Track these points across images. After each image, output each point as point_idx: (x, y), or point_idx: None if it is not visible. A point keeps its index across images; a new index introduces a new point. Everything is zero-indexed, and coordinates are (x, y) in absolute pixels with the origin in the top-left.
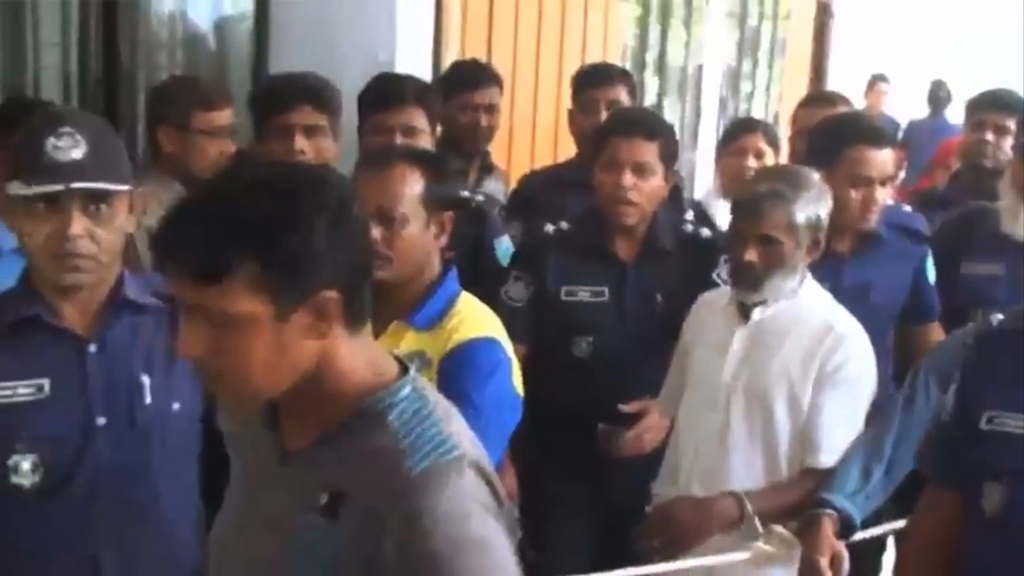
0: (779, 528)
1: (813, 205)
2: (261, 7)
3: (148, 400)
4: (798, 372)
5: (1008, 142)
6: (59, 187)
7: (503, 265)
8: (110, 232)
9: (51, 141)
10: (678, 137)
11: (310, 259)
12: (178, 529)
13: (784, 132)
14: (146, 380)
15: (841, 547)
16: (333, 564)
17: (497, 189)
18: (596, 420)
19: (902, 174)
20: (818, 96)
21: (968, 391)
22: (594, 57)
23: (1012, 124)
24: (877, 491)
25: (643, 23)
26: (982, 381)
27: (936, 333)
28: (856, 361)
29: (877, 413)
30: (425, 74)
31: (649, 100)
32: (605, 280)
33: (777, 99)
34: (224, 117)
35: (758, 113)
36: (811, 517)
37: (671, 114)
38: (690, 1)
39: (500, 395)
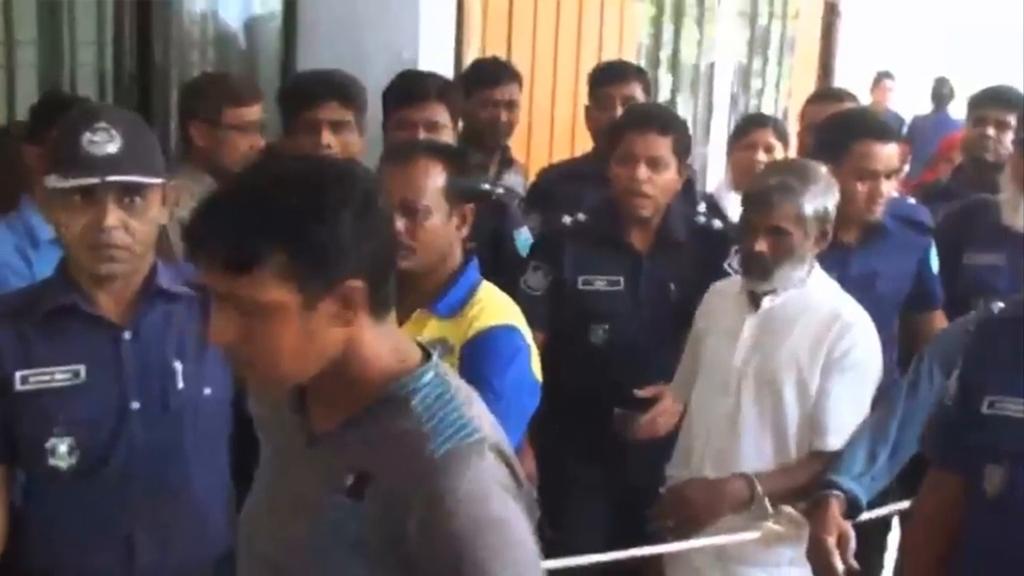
0: (788, 508)
1: (821, 197)
2: (289, 7)
3: (180, 385)
4: (806, 358)
5: (1009, 137)
6: (95, 180)
7: (522, 255)
8: (144, 223)
9: (87, 136)
10: (691, 132)
11: (337, 249)
12: (210, 509)
13: (793, 127)
14: (178, 366)
15: (848, 527)
16: (358, 542)
17: (516, 182)
18: (612, 405)
19: (906, 168)
20: (826, 92)
21: (970, 377)
22: (610, 55)
23: (1012, 119)
24: (883, 473)
25: (657, 22)
26: (983, 367)
27: (939, 321)
28: (862, 348)
29: (883, 398)
30: (447, 71)
31: (663, 96)
32: (620, 270)
33: (786, 95)
34: (254, 113)
35: (768, 109)
36: (819, 498)
37: (684, 110)
38: (702, 1)
39: (520, 380)
